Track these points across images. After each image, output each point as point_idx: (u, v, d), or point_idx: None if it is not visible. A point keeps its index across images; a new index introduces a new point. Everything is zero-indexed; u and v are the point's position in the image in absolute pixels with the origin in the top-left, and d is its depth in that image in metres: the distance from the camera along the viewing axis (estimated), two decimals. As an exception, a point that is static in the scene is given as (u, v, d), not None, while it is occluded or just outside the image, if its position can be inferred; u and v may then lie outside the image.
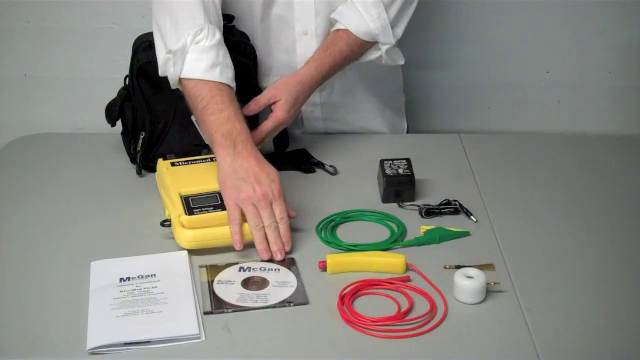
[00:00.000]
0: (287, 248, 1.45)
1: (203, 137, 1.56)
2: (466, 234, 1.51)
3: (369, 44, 1.72)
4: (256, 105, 1.64)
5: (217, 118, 1.50)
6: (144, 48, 1.66)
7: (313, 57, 1.70)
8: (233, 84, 1.55)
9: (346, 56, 1.71)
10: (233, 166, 1.47)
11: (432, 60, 2.33)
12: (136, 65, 1.67)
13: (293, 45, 1.74)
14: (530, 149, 1.83)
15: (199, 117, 1.54)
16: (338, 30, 1.70)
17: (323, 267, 1.40)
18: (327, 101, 1.83)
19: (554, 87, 2.37)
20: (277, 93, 1.64)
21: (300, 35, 1.73)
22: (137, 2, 2.22)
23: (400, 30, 1.73)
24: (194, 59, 1.53)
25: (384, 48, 1.72)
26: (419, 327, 1.28)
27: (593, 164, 1.76)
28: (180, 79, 1.55)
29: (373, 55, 1.74)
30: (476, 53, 2.32)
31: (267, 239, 1.44)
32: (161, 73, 1.57)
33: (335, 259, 1.41)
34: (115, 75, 1.77)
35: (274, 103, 1.64)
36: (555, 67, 2.34)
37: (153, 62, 1.62)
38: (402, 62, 1.77)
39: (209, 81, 1.52)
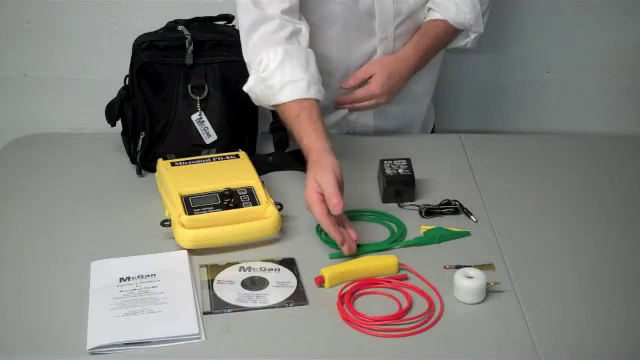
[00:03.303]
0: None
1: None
2: (466, 234, 1.51)
3: (459, 32, 1.79)
4: (354, 80, 1.73)
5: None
6: (144, 48, 1.66)
7: (410, 40, 1.75)
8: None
9: (442, 40, 1.78)
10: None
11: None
12: (136, 65, 1.66)
13: (374, 49, 1.76)
14: (530, 149, 1.83)
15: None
16: (434, 19, 1.76)
17: (320, 283, 1.37)
18: None
19: (554, 87, 2.36)
20: (372, 68, 1.73)
21: (381, 40, 1.75)
22: (137, 2, 2.22)
23: (486, 18, 1.80)
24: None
25: (473, 36, 1.80)
26: (419, 327, 1.28)
27: (593, 164, 1.76)
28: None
29: (462, 42, 1.82)
30: (476, 53, 2.31)
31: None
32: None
33: (330, 272, 1.37)
34: (115, 75, 1.77)
35: (370, 77, 1.71)
36: (555, 67, 2.34)
37: (153, 62, 1.61)
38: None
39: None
